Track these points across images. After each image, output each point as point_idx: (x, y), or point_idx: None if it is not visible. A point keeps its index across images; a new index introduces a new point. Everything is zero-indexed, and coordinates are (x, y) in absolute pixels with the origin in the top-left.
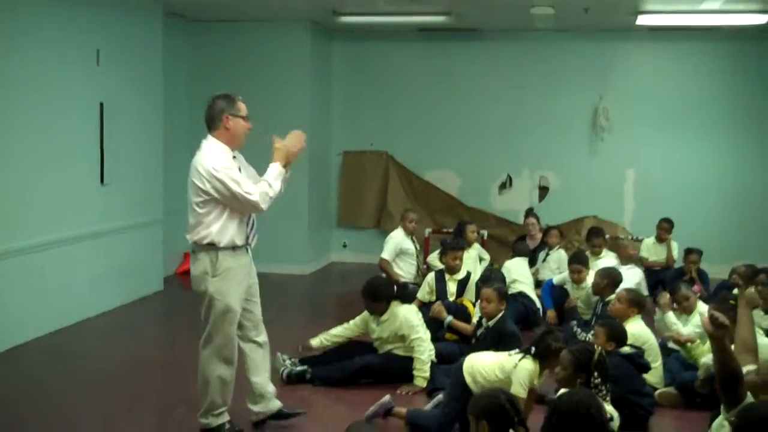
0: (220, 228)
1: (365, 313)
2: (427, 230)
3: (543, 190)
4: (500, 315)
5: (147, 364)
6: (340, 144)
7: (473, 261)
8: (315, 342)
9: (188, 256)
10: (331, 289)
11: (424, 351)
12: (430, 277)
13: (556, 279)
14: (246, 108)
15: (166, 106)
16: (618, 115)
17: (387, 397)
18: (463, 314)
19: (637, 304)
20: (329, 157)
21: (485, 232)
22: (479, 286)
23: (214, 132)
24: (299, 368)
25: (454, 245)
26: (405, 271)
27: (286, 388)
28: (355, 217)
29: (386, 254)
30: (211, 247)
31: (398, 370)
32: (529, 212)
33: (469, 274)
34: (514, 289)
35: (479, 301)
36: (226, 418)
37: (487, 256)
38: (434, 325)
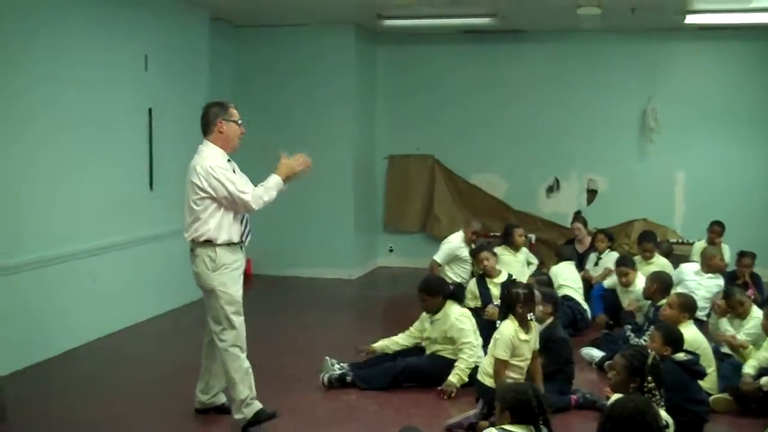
0: (217, 225)
1: (422, 315)
2: (531, 236)
3: (591, 193)
4: (550, 320)
5: (196, 367)
6: (386, 148)
7: (521, 265)
8: (378, 345)
9: None
10: (379, 293)
11: (472, 355)
12: (472, 283)
13: (607, 282)
14: (238, 114)
15: None
16: (667, 116)
17: (473, 412)
18: None
19: (688, 308)
20: (375, 162)
21: (533, 236)
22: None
23: (209, 136)
24: (339, 371)
25: (478, 248)
26: (458, 276)
27: (330, 393)
28: (401, 221)
29: (439, 257)
30: (209, 243)
31: (442, 372)
32: (576, 216)
33: (510, 276)
34: (560, 293)
35: None
36: (258, 405)
37: (534, 260)
38: (487, 330)
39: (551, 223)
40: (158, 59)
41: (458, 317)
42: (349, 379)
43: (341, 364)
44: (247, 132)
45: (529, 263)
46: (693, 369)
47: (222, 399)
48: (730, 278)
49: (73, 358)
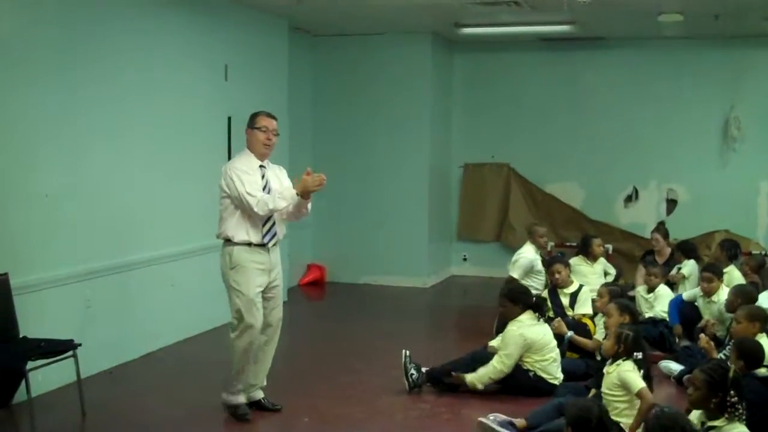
0: (234, 225)
1: None
2: (551, 244)
3: (671, 203)
4: None
5: (271, 373)
6: (461, 156)
7: (598, 276)
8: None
9: (311, 268)
10: (453, 302)
11: (494, 369)
12: (545, 293)
13: (686, 294)
14: (268, 122)
15: (291, 119)
16: (750, 124)
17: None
18: (582, 331)
19: (757, 319)
20: (450, 170)
21: (610, 246)
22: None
23: (246, 145)
24: (415, 374)
25: (551, 260)
26: (533, 288)
27: (411, 396)
28: (476, 230)
29: (517, 273)
30: (228, 242)
31: (517, 380)
32: (658, 227)
33: (581, 287)
34: (661, 312)
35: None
36: (242, 399)
37: (612, 271)
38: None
39: (629, 234)
40: (238, 69)
41: (516, 331)
42: (420, 381)
43: (415, 370)
44: (336, 139)
45: (606, 273)
46: None
47: (259, 395)
48: None
49: (152, 362)
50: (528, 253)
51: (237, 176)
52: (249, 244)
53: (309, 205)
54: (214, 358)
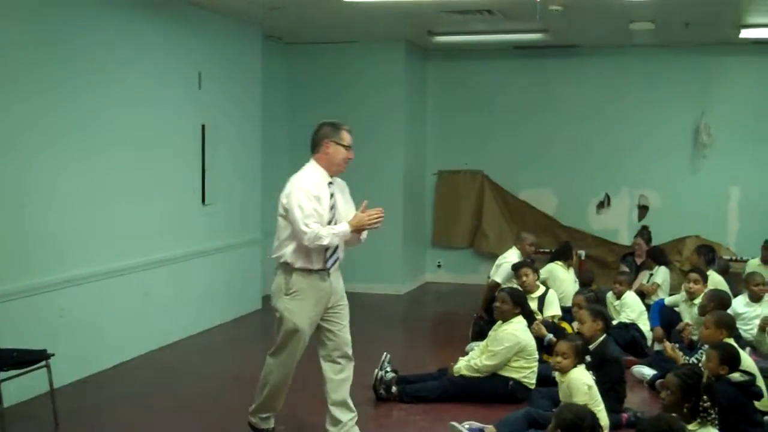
0: (294, 251)
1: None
2: None
3: (643, 209)
4: (602, 338)
5: (247, 381)
6: (435, 163)
7: (573, 281)
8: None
9: None
10: (427, 308)
11: (485, 363)
12: None
13: (669, 300)
14: (350, 138)
15: (265, 126)
16: (720, 131)
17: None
18: (560, 334)
19: (725, 325)
20: (424, 177)
21: (583, 252)
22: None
23: (315, 155)
24: (389, 374)
25: (520, 263)
26: None
27: (381, 408)
28: (450, 236)
29: (499, 277)
30: (287, 266)
31: (492, 389)
32: (642, 231)
33: (547, 290)
34: (627, 319)
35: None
36: (271, 424)
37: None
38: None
39: (601, 240)
40: (212, 77)
41: (512, 331)
42: (394, 389)
43: (391, 372)
44: (303, 146)
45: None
46: (749, 390)
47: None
48: None
49: (126, 371)
50: (512, 258)
51: (299, 202)
52: (308, 270)
53: (364, 234)
54: (189, 367)
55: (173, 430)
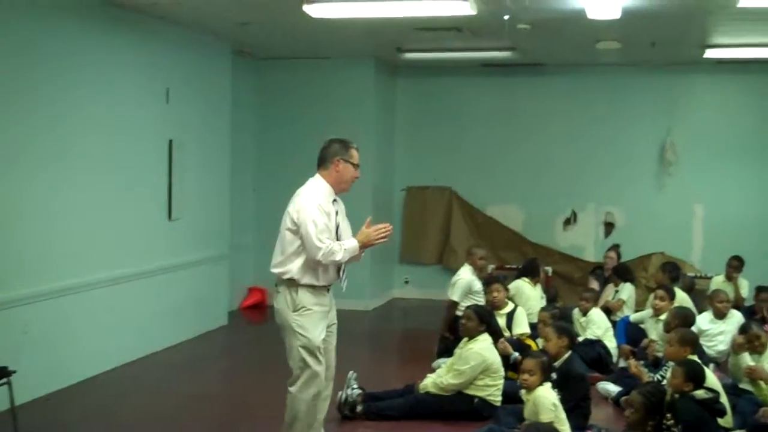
0: (301, 267)
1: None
2: (491, 267)
3: (609, 226)
4: (567, 355)
5: (212, 398)
6: (403, 179)
7: (540, 298)
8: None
9: (252, 291)
10: (394, 325)
11: (451, 382)
12: None
13: (634, 316)
14: (358, 157)
15: (233, 142)
16: (686, 149)
17: None
18: (527, 353)
19: (689, 342)
20: (392, 193)
21: (549, 269)
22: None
23: (322, 171)
24: (355, 392)
25: (490, 279)
26: None
27: (346, 426)
28: (418, 252)
29: (456, 296)
30: (291, 282)
31: (459, 405)
32: (614, 246)
33: (516, 307)
34: (593, 335)
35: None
36: None
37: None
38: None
39: (568, 256)
40: (180, 92)
41: (478, 350)
42: (359, 409)
43: (358, 389)
44: (279, 161)
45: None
46: (713, 407)
47: None
48: (749, 313)
49: (90, 387)
50: (465, 275)
51: (312, 217)
52: (314, 287)
53: (362, 254)
54: (154, 383)
55: None
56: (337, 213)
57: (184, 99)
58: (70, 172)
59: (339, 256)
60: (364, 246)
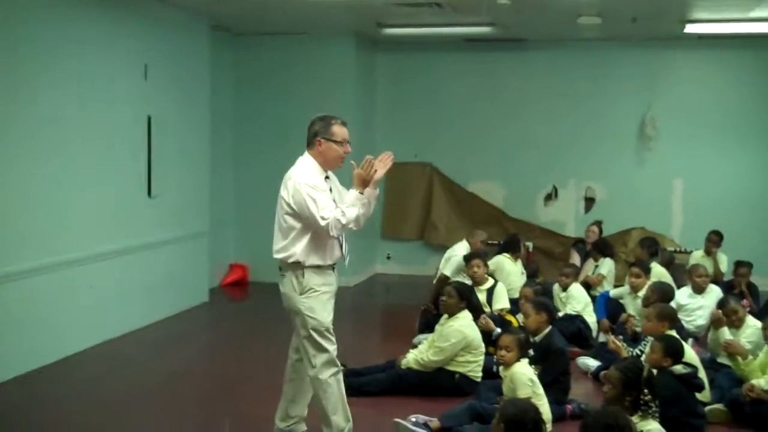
0: (305, 248)
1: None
2: None
3: (589, 201)
4: (547, 330)
5: (193, 374)
6: None
7: (521, 273)
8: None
9: (233, 268)
10: (376, 300)
11: (432, 359)
12: None
13: (613, 292)
14: (343, 132)
15: (213, 118)
16: (666, 124)
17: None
18: (507, 328)
19: (667, 317)
20: None
21: (530, 244)
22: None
23: (310, 150)
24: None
25: (471, 254)
26: None
27: None
28: (399, 228)
29: (448, 271)
30: (297, 265)
31: (440, 381)
32: (596, 222)
33: (496, 282)
34: (573, 310)
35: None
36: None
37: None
38: (483, 338)
39: (549, 231)
40: (158, 68)
41: (458, 327)
42: None
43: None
44: (258, 138)
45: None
46: (691, 382)
47: (302, 428)
48: (728, 288)
49: (70, 365)
50: (460, 251)
51: (310, 195)
52: (319, 267)
53: (376, 191)
54: (134, 360)
55: (115, 424)
56: (331, 189)
57: (162, 75)
58: (48, 150)
59: (343, 219)
60: (364, 184)
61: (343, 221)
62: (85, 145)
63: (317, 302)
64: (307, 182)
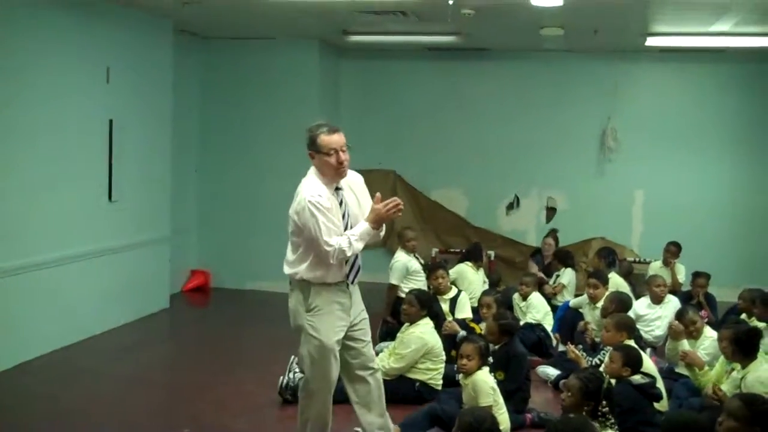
0: (309, 268)
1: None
2: (434, 250)
3: (550, 211)
4: (507, 338)
5: (152, 382)
6: (349, 162)
7: (482, 282)
8: None
9: (194, 273)
10: None
11: (393, 366)
12: None
13: (573, 302)
14: (332, 141)
15: (177, 122)
16: (626, 135)
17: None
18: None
19: (625, 327)
20: None
21: (492, 253)
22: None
23: (313, 164)
24: (297, 375)
25: (434, 265)
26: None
27: (287, 409)
28: None
29: (395, 279)
30: (303, 282)
31: (399, 390)
32: (551, 232)
33: (459, 292)
34: (533, 319)
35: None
36: None
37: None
38: (446, 344)
39: (510, 240)
40: (121, 71)
41: (419, 334)
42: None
43: (300, 372)
44: (222, 143)
45: (483, 281)
46: (649, 392)
47: (390, 426)
48: (686, 298)
49: (27, 371)
50: (401, 257)
51: (316, 217)
52: (327, 284)
53: (382, 229)
54: (93, 366)
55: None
56: (341, 203)
57: (125, 78)
58: (8, 152)
59: (350, 251)
60: (377, 223)
61: (348, 253)
62: (46, 149)
63: (322, 321)
64: (311, 200)
